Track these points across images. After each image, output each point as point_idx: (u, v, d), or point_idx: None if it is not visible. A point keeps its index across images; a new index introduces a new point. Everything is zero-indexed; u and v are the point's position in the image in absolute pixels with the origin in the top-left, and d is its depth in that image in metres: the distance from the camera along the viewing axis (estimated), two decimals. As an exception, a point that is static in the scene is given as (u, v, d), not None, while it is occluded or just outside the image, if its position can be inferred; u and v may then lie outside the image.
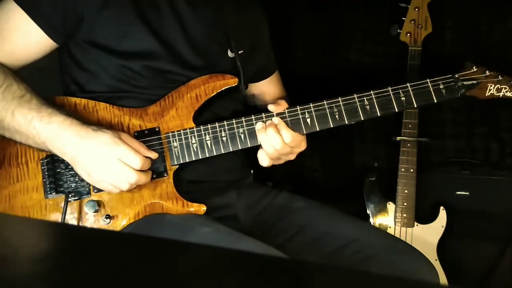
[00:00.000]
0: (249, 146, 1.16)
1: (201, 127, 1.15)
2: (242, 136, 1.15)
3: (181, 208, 1.12)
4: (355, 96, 1.16)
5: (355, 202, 1.89)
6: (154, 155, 1.10)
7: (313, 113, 1.15)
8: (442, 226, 1.80)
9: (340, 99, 1.16)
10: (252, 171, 1.38)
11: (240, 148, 1.15)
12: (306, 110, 1.16)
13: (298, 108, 1.16)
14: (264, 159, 1.17)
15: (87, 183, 1.09)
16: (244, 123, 1.15)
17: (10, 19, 1.10)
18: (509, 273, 1.80)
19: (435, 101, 1.17)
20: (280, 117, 1.15)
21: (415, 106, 1.18)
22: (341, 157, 2.16)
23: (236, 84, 1.20)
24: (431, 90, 1.17)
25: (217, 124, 1.15)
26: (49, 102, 1.08)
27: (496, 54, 1.93)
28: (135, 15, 1.12)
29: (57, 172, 1.11)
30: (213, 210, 1.16)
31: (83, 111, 1.14)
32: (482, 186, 1.84)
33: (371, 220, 1.86)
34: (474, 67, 1.20)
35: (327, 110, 1.15)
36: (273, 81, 1.46)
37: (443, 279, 1.72)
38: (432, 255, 1.76)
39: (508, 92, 1.19)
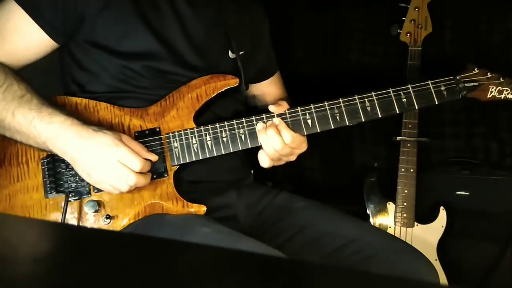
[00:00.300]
0: (250, 146, 1.16)
1: (202, 128, 1.15)
2: (243, 136, 1.15)
3: (181, 209, 1.12)
4: (356, 97, 1.16)
5: (355, 202, 1.88)
6: (154, 157, 1.10)
7: (314, 114, 1.15)
8: (442, 226, 1.80)
9: (341, 100, 1.16)
10: (252, 171, 1.38)
11: (240, 148, 1.15)
12: (307, 111, 1.16)
13: (299, 109, 1.16)
14: (264, 160, 1.16)
15: (87, 183, 1.09)
16: (244, 124, 1.15)
17: (10, 19, 1.10)
18: (509, 273, 1.80)
19: (436, 103, 1.17)
20: (280, 118, 1.15)
21: (416, 107, 1.18)
22: (341, 157, 2.16)
23: (237, 84, 1.20)
24: (433, 92, 1.17)
25: (217, 125, 1.15)
26: (49, 102, 1.08)
27: (496, 54, 1.92)
28: (136, 16, 1.12)
29: (57, 172, 1.11)
30: (213, 211, 1.16)
31: (84, 111, 1.14)
32: (482, 186, 1.84)
33: (371, 220, 1.85)
34: (475, 69, 1.20)
35: (328, 111, 1.15)
36: (274, 82, 1.46)
37: (443, 279, 1.72)
38: (432, 255, 1.76)
39: (509, 94, 1.19)
